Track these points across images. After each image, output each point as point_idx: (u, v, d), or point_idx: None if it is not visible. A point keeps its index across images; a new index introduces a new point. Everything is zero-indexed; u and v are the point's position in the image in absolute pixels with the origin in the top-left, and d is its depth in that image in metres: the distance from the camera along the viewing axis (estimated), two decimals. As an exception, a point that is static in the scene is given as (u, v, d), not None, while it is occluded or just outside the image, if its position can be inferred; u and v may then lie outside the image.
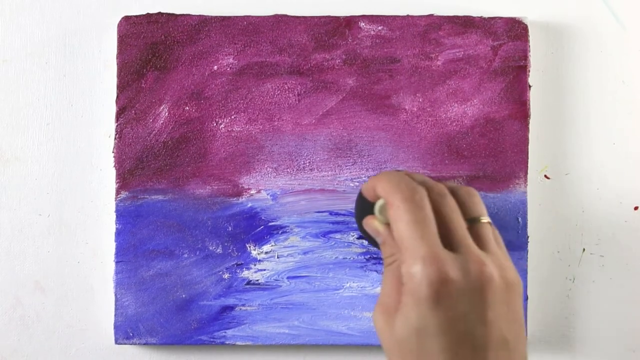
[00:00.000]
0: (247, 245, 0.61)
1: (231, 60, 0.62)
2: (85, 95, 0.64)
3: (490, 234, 0.45)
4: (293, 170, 0.61)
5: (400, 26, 0.62)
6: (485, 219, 0.45)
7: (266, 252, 0.61)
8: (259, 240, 0.61)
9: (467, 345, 0.37)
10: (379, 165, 0.61)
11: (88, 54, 0.64)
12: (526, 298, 0.61)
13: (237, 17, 0.62)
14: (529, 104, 0.62)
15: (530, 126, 0.62)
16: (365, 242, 0.61)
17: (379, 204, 0.45)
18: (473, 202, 0.45)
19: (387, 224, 0.44)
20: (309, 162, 0.62)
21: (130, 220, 0.61)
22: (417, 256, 0.38)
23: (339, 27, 0.62)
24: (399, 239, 0.40)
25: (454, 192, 0.45)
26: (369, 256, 0.61)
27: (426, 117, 0.62)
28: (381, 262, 0.61)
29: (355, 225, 0.61)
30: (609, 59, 0.64)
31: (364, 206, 0.49)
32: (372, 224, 0.46)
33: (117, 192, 0.61)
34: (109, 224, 0.63)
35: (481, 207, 0.46)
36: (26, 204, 0.63)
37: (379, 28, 0.62)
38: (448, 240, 0.41)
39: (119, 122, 0.61)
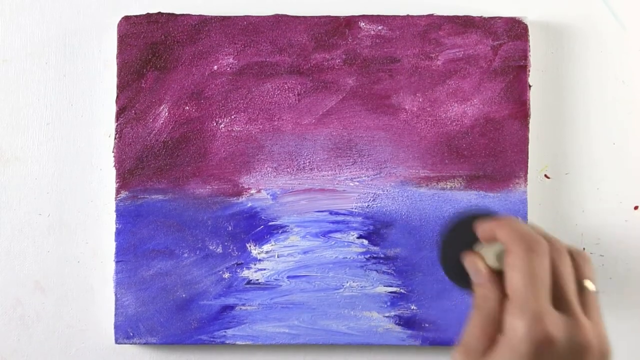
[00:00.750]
0: (247, 245, 0.61)
1: (231, 60, 0.62)
2: (85, 95, 0.64)
3: (597, 303, 0.44)
4: (293, 170, 0.62)
5: (400, 26, 0.62)
6: (595, 287, 0.44)
7: (266, 252, 0.61)
8: (259, 240, 0.61)
9: None
10: (379, 165, 0.61)
11: (88, 54, 0.64)
12: (526, 298, 0.61)
13: (237, 17, 0.62)
14: (529, 104, 0.62)
15: (530, 126, 0.62)
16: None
17: (496, 249, 0.43)
18: (587, 268, 0.44)
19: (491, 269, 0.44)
20: (309, 162, 0.62)
21: (130, 220, 0.61)
22: (527, 310, 0.38)
23: (339, 27, 0.62)
24: (512, 289, 0.39)
25: (570, 253, 0.44)
26: (369, 256, 0.61)
27: (426, 117, 0.62)
28: (381, 261, 0.61)
29: (355, 225, 0.61)
30: (609, 59, 0.64)
31: (467, 240, 0.46)
32: (477, 263, 0.44)
33: (117, 192, 0.61)
34: (109, 224, 0.63)
35: (593, 274, 0.45)
36: (26, 204, 0.63)
37: (379, 28, 0.62)
38: (557, 299, 0.40)
39: (119, 122, 0.61)
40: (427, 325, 0.61)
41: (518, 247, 0.40)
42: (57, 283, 0.63)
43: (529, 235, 0.40)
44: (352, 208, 0.61)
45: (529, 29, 0.62)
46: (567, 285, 0.41)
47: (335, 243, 0.61)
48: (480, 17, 0.62)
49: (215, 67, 0.62)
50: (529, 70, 0.62)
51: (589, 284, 0.42)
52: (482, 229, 0.44)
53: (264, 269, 0.61)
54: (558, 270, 0.41)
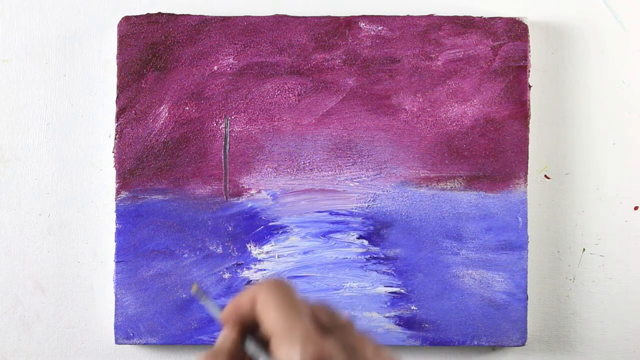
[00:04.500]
0: (247, 245, 0.61)
1: (231, 60, 0.62)
2: (85, 95, 0.64)
3: (360, 333, 0.42)
4: (293, 170, 0.62)
5: (400, 26, 0.62)
6: (346, 320, 0.43)
7: (266, 252, 0.61)
8: (259, 240, 0.61)
9: None
10: (379, 165, 0.61)
11: (88, 54, 0.64)
12: (526, 298, 0.61)
13: (237, 17, 0.62)
14: (529, 104, 0.62)
15: (530, 126, 0.62)
16: (365, 242, 0.61)
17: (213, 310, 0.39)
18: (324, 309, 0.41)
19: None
20: (309, 162, 0.62)
21: (130, 220, 0.61)
22: (295, 335, 0.35)
23: (339, 27, 0.62)
24: (271, 325, 0.35)
25: None
26: (369, 256, 0.61)
27: (426, 117, 0.62)
28: (381, 262, 0.61)
29: (355, 225, 0.61)
30: (609, 59, 0.64)
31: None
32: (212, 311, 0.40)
33: (117, 192, 0.61)
34: (109, 224, 0.63)
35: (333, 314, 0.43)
36: (26, 204, 0.63)
37: (379, 28, 0.62)
38: (320, 329, 0.37)
39: (119, 122, 0.61)
40: (427, 325, 0.61)
41: (263, 289, 0.36)
42: (57, 283, 0.63)
43: (269, 279, 0.37)
44: (352, 208, 0.61)
45: (529, 29, 0.62)
46: (324, 316, 0.38)
47: (335, 243, 0.61)
48: (481, 17, 0.62)
49: (215, 67, 0.62)
50: (529, 71, 0.62)
51: (340, 319, 0.40)
52: (225, 317, 0.38)
53: (264, 270, 0.61)
54: (311, 307, 0.38)
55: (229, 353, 0.37)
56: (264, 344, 0.37)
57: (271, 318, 0.35)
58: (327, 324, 0.38)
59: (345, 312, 0.39)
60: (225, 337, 0.37)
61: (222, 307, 0.60)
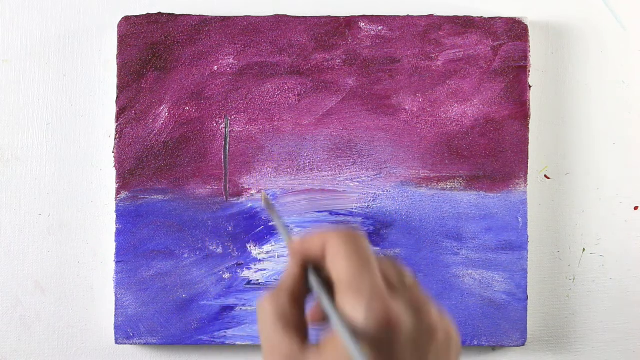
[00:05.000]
0: (248, 245, 0.61)
1: (231, 60, 0.62)
2: (85, 95, 0.64)
3: (427, 294, 0.40)
4: (293, 170, 0.61)
5: (400, 26, 0.62)
6: (413, 279, 0.42)
7: (266, 252, 0.61)
8: (259, 240, 0.61)
9: None
10: (379, 165, 0.61)
11: (88, 54, 0.64)
12: (526, 298, 0.61)
13: (237, 17, 0.62)
14: (529, 104, 0.62)
15: (530, 126, 0.62)
16: None
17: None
18: (402, 268, 0.40)
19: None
20: (309, 162, 0.62)
21: (130, 220, 0.61)
22: (363, 290, 0.33)
23: (339, 27, 0.62)
24: (339, 274, 0.34)
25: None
26: (369, 256, 0.61)
27: (426, 117, 0.62)
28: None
29: (356, 225, 0.62)
30: (609, 59, 0.64)
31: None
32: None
33: (117, 192, 0.61)
34: (109, 224, 0.63)
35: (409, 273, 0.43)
36: (26, 204, 0.63)
37: (379, 28, 0.62)
38: (389, 288, 0.35)
39: (119, 122, 0.61)
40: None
41: (336, 236, 0.35)
42: (57, 283, 0.63)
43: (343, 227, 0.36)
44: (352, 208, 0.61)
45: (529, 29, 0.62)
46: (392, 273, 0.37)
47: (335, 243, 0.61)
48: (481, 17, 0.62)
49: (215, 67, 0.62)
50: (529, 71, 0.62)
51: (408, 277, 0.39)
52: (294, 249, 0.37)
53: (264, 270, 0.61)
54: (381, 262, 0.37)
55: (293, 290, 0.36)
56: (326, 285, 0.35)
57: (341, 266, 0.34)
58: (394, 282, 0.36)
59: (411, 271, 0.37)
60: (288, 274, 0.36)
61: (222, 307, 0.60)
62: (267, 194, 0.54)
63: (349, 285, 0.33)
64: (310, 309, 0.37)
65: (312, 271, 0.36)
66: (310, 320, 0.37)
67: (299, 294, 0.36)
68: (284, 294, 0.35)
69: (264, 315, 0.35)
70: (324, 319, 0.35)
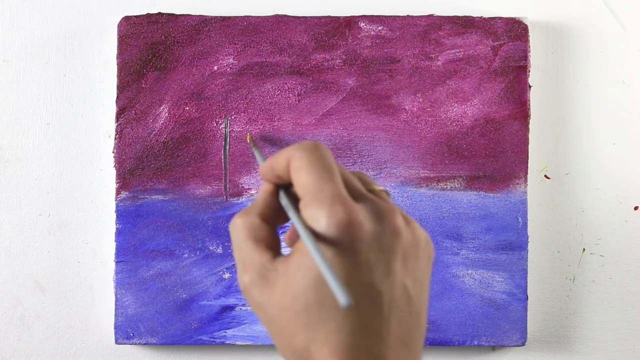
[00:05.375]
0: (247, 245, 0.61)
1: (231, 60, 0.62)
2: (85, 95, 0.64)
3: (391, 200, 0.41)
4: (293, 170, 0.61)
5: (400, 26, 0.62)
6: (382, 188, 0.41)
7: (266, 252, 0.61)
8: (259, 240, 0.61)
9: (368, 300, 0.34)
10: (379, 165, 0.61)
11: (88, 54, 0.64)
12: (526, 298, 0.61)
13: (237, 17, 0.62)
14: (529, 104, 0.62)
15: (530, 126, 0.62)
16: None
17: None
18: (367, 177, 0.41)
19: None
20: (309, 162, 0.61)
21: (130, 220, 0.61)
22: (324, 198, 0.34)
23: (339, 27, 0.62)
24: (301, 186, 0.35)
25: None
26: (369, 256, 0.61)
27: (426, 117, 0.62)
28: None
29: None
30: (609, 59, 0.64)
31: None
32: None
33: (117, 192, 0.61)
34: (109, 224, 0.63)
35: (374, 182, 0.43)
36: (26, 204, 0.63)
37: (379, 28, 0.62)
38: (351, 193, 0.36)
39: (119, 122, 0.61)
40: (427, 325, 0.61)
41: (298, 150, 0.36)
42: (57, 283, 0.63)
43: (305, 141, 0.37)
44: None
45: (529, 29, 0.62)
46: (357, 182, 0.37)
47: (335, 243, 0.61)
48: (480, 17, 0.62)
49: (215, 67, 0.62)
50: (529, 71, 0.62)
51: (378, 187, 0.39)
52: (264, 170, 0.38)
53: (264, 269, 0.61)
54: (344, 172, 0.37)
55: (263, 209, 0.37)
56: (296, 203, 0.36)
57: (303, 178, 0.35)
58: (358, 190, 0.37)
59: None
60: (261, 190, 0.38)
61: (222, 307, 0.61)
62: (252, 136, 0.56)
63: (310, 194, 0.34)
64: (286, 232, 0.39)
65: (281, 189, 0.37)
66: (287, 243, 0.38)
67: (270, 211, 0.37)
68: (254, 211, 0.37)
69: (236, 232, 0.37)
70: (297, 238, 0.36)
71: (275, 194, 0.37)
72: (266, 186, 0.38)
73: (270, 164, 0.37)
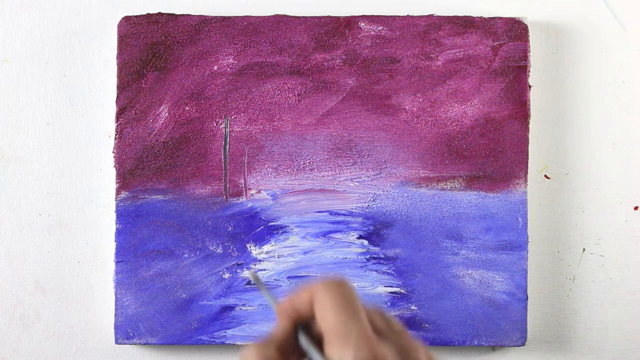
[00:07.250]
0: (247, 245, 0.61)
1: (231, 60, 0.62)
2: (85, 95, 0.64)
3: (412, 338, 0.42)
4: (293, 170, 0.62)
5: (400, 26, 0.62)
6: (402, 328, 0.42)
7: (266, 252, 0.61)
8: (259, 240, 0.61)
9: None
10: (379, 165, 0.61)
11: (88, 54, 0.64)
12: (526, 298, 0.61)
13: (237, 17, 0.62)
14: (529, 104, 0.62)
15: (530, 126, 0.62)
16: (366, 242, 0.61)
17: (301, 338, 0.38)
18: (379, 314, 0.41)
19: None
20: (309, 162, 0.62)
21: (130, 220, 0.61)
22: (350, 337, 0.34)
23: (339, 27, 0.62)
24: (327, 325, 0.35)
25: None
26: (369, 256, 0.61)
27: (426, 117, 0.62)
28: (381, 262, 0.61)
29: (355, 225, 0.61)
30: (609, 59, 0.64)
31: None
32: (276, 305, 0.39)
33: (117, 192, 0.61)
34: (109, 224, 0.63)
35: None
36: (26, 204, 0.63)
37: (379, 28, 0.62)
38: (375, 332, 0.37)
39: (119, 122, 0.61)
40: (427, 325, 0.61)
41: (322, 289, 0.36)
42: (57, 283, 0.63)
43: (329, 278, 0.37)
44: (352, 208, 0.61)
45: (529, 29, 0.62)
46: (379, 320, 0.38)
47: (335, 243, 0.61)
48: (480, 17, 0.62)
49: (215, 67, 0.62)
50: (529, 71, 0.62)
51: (396, 325, 0.40)
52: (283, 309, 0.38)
53: (264, 270, 0.61)
54: (368, 310, 0.38)
55: (280, 344, 0.36)
56: (317, 341, 0.36)
57: (328, 317, 0.35)
58: (382, 329, 0.37)
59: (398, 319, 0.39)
60: (278, 328, 0.37)
61: (222, 307, 0.61)
62: (255, 273, 0.55)
63: (336, 334, 0.34)
64: None
65: (301, 329, 0.37)
66: None
67: (287, 349, 0.37)
68: (271, 347, 0.36)
69: None
70: None
71: (293, 332, 0.37)
72: (283, 325, 0.37)
73: (292, 300, 0.37)
